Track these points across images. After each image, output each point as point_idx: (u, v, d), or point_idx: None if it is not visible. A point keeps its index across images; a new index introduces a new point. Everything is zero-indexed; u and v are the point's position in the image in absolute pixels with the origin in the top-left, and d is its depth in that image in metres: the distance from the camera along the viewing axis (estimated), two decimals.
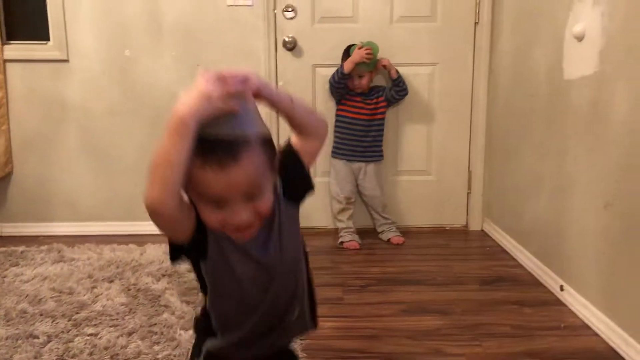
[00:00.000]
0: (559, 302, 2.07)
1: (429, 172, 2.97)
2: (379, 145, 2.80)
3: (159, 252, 2.52)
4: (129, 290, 2.13)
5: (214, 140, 0.79)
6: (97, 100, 2.83)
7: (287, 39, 2.77)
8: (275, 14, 2.77)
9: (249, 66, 2.79)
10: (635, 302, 1.66)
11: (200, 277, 0.97)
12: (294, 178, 0.97)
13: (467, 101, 2.91)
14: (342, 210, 2.78)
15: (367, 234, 2.84)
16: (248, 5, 2.75)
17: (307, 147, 0.97)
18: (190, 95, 0.79)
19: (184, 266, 2.34)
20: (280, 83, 2.82)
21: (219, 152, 0.80)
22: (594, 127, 1.87)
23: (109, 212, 2.91)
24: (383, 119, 2.78)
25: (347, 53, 2.67)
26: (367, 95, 2.76)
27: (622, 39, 1.71)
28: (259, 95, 0.86)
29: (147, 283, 2.18)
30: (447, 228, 3.01)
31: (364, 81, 2.69)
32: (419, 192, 2.97)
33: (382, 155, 2.83)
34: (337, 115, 2.78)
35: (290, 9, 2.76)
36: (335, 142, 2.76)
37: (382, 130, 2.79)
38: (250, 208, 0.85)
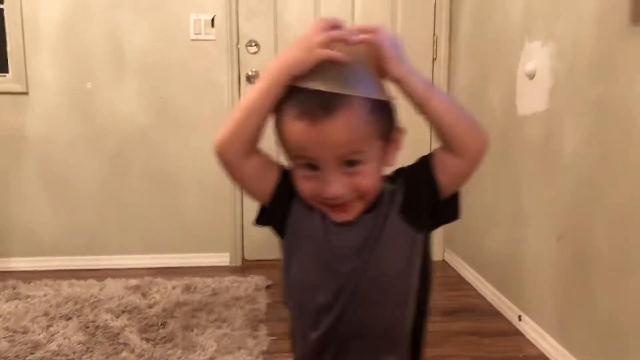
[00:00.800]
0: (517, 332, 2.11)
1: None
2: None
3: (119, 287, 2.47)
4: (87, 327, 2.08)
5: (310, 91, 0.72)
6: (57, 132, 2.79)
7: (250, 73, 2.81)
8: (238, 48, 2.80)
9: (212, 99, 2.82)
10: (588, 331, 1.71)
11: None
12: (416, 196, 0.79)
13: (427, 134, 2.97)
14: None
15: None
16: (211, 40, 2.78)
17: (447, 162, 0.77)
18: (293, 44, 0.74)
19: (145, 301, 2.31)
20: None
21: (313, 103, 0.71)
22: (546, 161, 1.94)
23: (68, 245, 2.85)
24: None
25: None
26: None
27: (569, 78, 1.80)
28: (380, 60, 0.74)
29: (106, 320, 2.14)
30: None
31: None
32: None
33: None
34: None
35: (253, 44, 2.80)
36: None
37: None
38: (347, 180, 0.75)
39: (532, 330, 2.04)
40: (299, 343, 0.87)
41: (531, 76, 2.02)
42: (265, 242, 2.76)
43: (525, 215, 2.10)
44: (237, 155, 0.78)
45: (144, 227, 2.88)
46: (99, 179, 2.82)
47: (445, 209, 0.80)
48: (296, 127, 0.73)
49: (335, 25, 0.74)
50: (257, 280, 2.60)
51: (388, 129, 0.77)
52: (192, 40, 2.78)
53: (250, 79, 2.81)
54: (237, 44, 2.80)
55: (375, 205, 0.80)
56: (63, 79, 2.77)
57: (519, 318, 2.13)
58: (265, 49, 2.82)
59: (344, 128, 0.72)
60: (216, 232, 2.92)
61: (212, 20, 2.77)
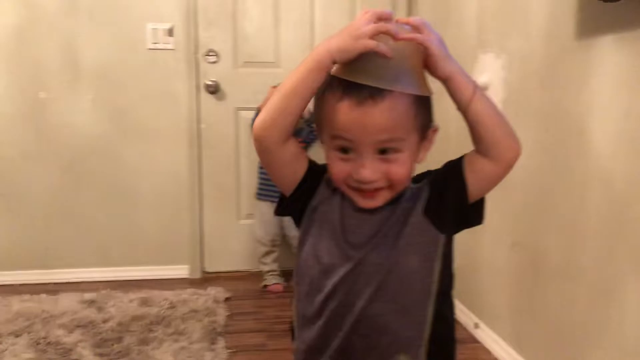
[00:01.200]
0: (474, 340, 2.14)
1: None
2: None
3: (73, 301, 2.41)
4: (38, 344, 2.01)
5: (355, 82, 0.75)
6: (8, 143, 2.71)
7: (209, 83, 2.79)
8: (197, 57, 2.78)
9: (170, 109, 2.78)
10: (540, 337, 1.75)
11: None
12: (443, 197, 0.80)
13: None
14: (267, 253, 2.77)
15: (292, 275, 2.84)
16: (169, 49, 2.75)
17: (480, 166, 0.79)
18: (341, 31, 0.74)
19: (100, 316, 2.25)
20: (202, 126, 2.82)
21: (360, 89, 0.74)
22: None
23: (20, 259, 2.76)
24: None
25: None
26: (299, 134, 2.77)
27: (520, 90, 1.85)
28: (428, 57, 0.76)
29: (58, 336, 2.07)
30: None
31: None
32: None
33: None
34: None
35: (212, 54, 2.79)
36: (259, 183, 2.77)
37: None
38: (381, 166, 0.77)
39: (488, 337, 2.07)
40: (305, 331, 0.86)
41: (485, 88, 2.07)
42: (225, 254, 2.75)
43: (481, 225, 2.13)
44: (275, 141, 0.79)
45: (100, 239, 2.82)
46: (52, 191, 2.74)
47: (471, 213, 0.83)
48: (341, 108, 0.75)
49: (383, 17, 0.75)
50: (216, 292, 2.57)
51: (426, 125, 0.80)
52: (150, 49, 2.74)
53: (209, 88, 2.79)
54: (196, 53, 2.78)
55: (397, 199, 0.81)
56: (15, 88, 2.69)
57: (476, 325, 2.16)
58: (224, 58, 2.81)
59: (388, 114, 0.74)
60: (175, 244, 2.88)
61: (170, 29, 2.74)
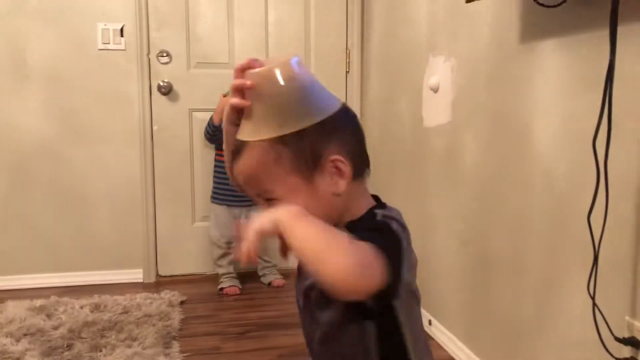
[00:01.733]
0: (427, 337, 2.18)
1: None
2: None
3: (21, 308, 2.33)
4: None
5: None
6: None
7: (162, 84, 2.75)
8: (149, 58, 2.74)
9: (122, 111, 2.73)
10: (491, 332, 1.80)
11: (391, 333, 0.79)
12: None
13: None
14: (223, 255, 2.75)
15: (249, 277, 2.83)
16: (120, 50, 2.70)
17: None
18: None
19: (49, 323, 2.19)
20: (155, 127, 2.78)
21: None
22: (449, 172, 2.03)
23: None
24: None
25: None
26: None
27: (469, 92, 1.89)
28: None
29: (4, 344, 2.01)
30: None
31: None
32: None
33: None
34: (215, 160, 2.77)
35: (164, 54, 2.75)
36: (214, 187, 2.75)
37: None
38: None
39: (441, 334, 2.12)
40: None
41: (435, 90, 2.11)
42: (179, 257, 2.72)
43: (433, 224, 2.18)
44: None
45: (50, 244, 2.75)
46: None
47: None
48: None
49: (245, 67, 0.75)
50: (170, 296, 2.53)
51: (307, 159, 0.75)
52: (100, 50, 2.69)
53: (161, 89, 2.75)
54: (148, 54, 2.74)
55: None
56: None
57: (429, 322, 2.20)
58: (177, 59, 2.77)
59: (243, 166, 0.76)
60: (128, 248, 2.83)
61: (121, 29, 2.69)
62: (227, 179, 2.77)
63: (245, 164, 0.76)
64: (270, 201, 0.76)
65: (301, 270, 0.86)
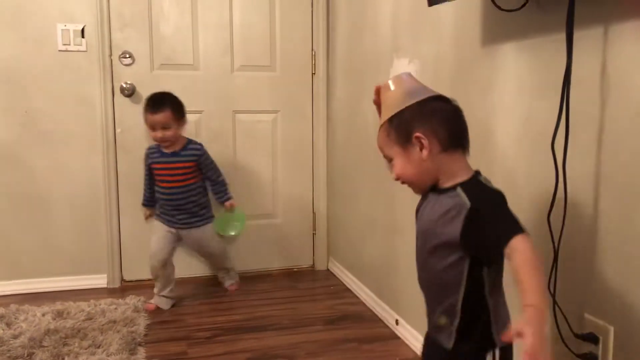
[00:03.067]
0: (394, 336, 2.20)
1: (275, 215, 3.03)
2: (199, 212, 2.57)
3: None
4: None
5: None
6: None
7: (124, 85, 2.70)
8: (111, 59, 2.69)
9: (83, 113, 2.68)
10: None
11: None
12: (471, 238, 1.05)
13: (308, 147, 3.04)
14: (156, 277, 2.52)
15: (215, 281, 2.81)
16: (81, 51, 2.64)
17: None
18: None
19: (9, 332, 2.13)
20: (118, 130, 2.73)
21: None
22: None
23: None
24: (197, 182, 2.56)
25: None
26: (177, 156, 2.50)
27: None
28: None
29: None
30: (295, 269, 3.08)
31: (168, 133, 2.42)
32: (266, 235, 3.01)
33: (208, 218, 2.61)
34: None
35: (127, 56, 2.70)
36: (158, 205, 2.59)
37: (202, 194, 2.59)
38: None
39: (408, 333, 2.14)
40: None
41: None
42: (144, 262, 2.66)
43: (399, 225, 2.20)
44: None
45: (10, 250, 2.67)
46: None
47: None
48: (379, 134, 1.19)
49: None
50: (135, 301, 2.49)
51: (403, 136, 1.11)
52: (60, 51, 2.63)
53: (124, 90, 2.70)
54: (110, 55, 2.69)
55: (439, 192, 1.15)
56: None
57: (396, 322, 2.22)
58: (140, 60, 2.73)
59: (378, 143, 1.18)
60: (91, 252, 2.77)
61: (82, 30, 2.64)
62: (164, 201, 2.54)
63: (378, 137, 1.17)
64: (390, 161, 1.15)
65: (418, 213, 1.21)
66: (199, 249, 2.73)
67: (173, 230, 2.54)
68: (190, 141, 2.54)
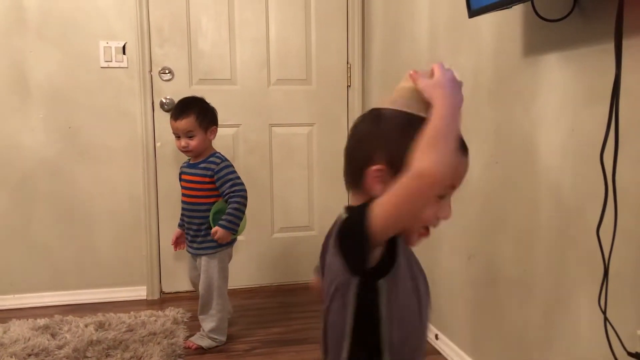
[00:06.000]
0: (435, 351, 2.17)
1: (311, 227, 3.04)
2: (197, 239, 2.22)
3: (25, 328, 2.32)
4: None
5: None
6: None
7: (164, 100, 2.76)
8: (151, 75, 2.75)
9: (124, 128, 2.74)
10: (497, 346, 1.78)
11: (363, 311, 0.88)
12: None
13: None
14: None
15: (254, 293, 2.82)
16: (123, 67, 2.71)
17: None
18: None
19: (54, 342, 2.17)
20: (158, 144, 2.78)
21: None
22: None
23: None
24: (207, 204, 2.20)
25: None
26: (194, 167, 2.23)
27: (472, 105, 1.89)
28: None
29: None
30: None
31: (193, 142, 2.17)
32: (303, 248, 3.01)
33: (216, 247, 2.20)
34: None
35: (167, 71, 2.76)
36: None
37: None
38: None
39: (448, 348, 2.10)
40: None
41: None
42: (183, 274, 2.70)
43: (439, 239, 2.17)
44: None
45: (53, 263, 2.74)
46: (1, 214, 2.65)
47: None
48: (463, 162, 0.93)
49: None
50: (175, 313, 2.52)
51: None
52: (102, 67, 2.70)
53: (163, 105, 2.75)
54: (150, 71, 2.75)
55: None
56: None
57: (436, 337, 2.19)
58: (179, 75, 2.78)
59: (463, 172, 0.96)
60: (131, 265, 2.82)
61: (124, 47, 2.70)
62: (184, 216, 2.28)
63: (461, 168, 0.96)
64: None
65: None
66: (199, 285, 2.24)
67: (191, 250, 2.27)
68: (214, 153, 2.23)
